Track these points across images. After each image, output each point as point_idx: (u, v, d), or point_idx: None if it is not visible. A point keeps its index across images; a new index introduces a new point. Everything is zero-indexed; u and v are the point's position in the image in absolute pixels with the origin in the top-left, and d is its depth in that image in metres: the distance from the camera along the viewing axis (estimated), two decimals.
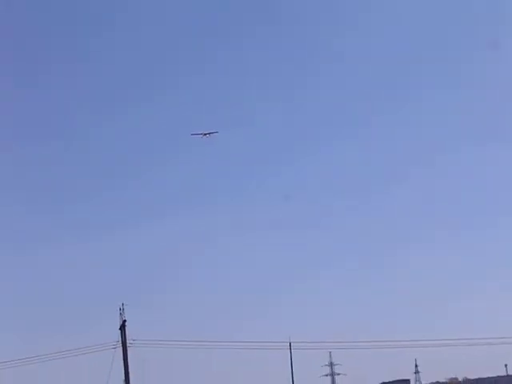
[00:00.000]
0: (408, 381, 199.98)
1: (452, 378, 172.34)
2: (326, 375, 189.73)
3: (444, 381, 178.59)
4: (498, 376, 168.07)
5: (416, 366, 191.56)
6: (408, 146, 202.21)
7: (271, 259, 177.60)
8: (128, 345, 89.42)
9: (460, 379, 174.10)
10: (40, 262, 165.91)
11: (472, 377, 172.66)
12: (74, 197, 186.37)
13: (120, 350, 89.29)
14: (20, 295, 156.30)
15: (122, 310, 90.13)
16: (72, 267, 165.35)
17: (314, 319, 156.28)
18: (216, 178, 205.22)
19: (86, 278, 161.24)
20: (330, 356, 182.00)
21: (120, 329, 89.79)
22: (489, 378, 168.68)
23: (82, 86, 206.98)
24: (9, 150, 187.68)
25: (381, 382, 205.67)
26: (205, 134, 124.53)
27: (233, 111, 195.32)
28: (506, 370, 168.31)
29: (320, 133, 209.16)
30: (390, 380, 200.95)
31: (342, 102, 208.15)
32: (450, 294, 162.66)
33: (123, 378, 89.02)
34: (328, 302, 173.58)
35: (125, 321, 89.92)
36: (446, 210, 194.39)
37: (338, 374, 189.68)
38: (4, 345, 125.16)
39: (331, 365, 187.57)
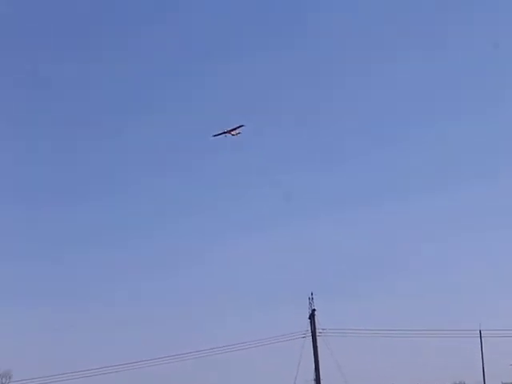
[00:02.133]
0: None
1: None
2: None
3: None
4: None
5: None
6: None
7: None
8: (317, 334, 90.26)
9: None
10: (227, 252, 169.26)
11: None
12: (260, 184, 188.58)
13: (309, 339, 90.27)
14: (210, 285, 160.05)
15: (311, 299, 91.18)
16: (260, 255, 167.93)
17: (505, 306, 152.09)
18: None
19: (275, 266, 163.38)
20: None
21: (309, 318, 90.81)
22: None
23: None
24: None
25: None
26: (229, 132, 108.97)
27: None
28: None
29: None
30: None
31: None
32: None
33: (313, 367, 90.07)
34: None
35: (314, 310, 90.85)
36: None
37: None
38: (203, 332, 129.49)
39: None
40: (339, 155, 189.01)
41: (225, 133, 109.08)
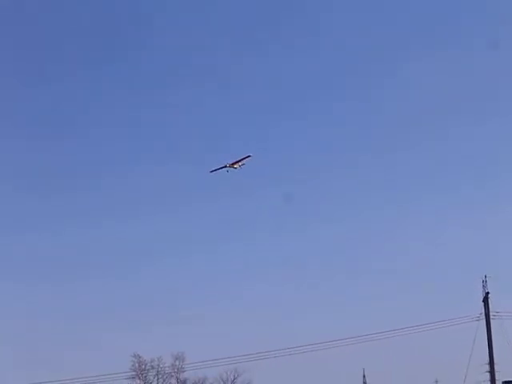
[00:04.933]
0: None
1: None
2: None
3: None
4: None
5: None
6: None
7: None
8: (491, 317, 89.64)
9: None
10: None
11: None
12: None
13: (483, 321, 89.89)
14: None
15: (484, 282, 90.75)
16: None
17: None
18: None
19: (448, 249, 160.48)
20: None
21: (483, 301, 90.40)
22: None
23: None
24: None
25: None
26: (232, 165, 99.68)
27: None
28: None
29: None
30: None
31: None
32: None
33: (487, 349, 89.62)
34: None
35: (487, 293, 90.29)
36: None
37: None
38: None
39: None
40: None
41: (226, 167, 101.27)
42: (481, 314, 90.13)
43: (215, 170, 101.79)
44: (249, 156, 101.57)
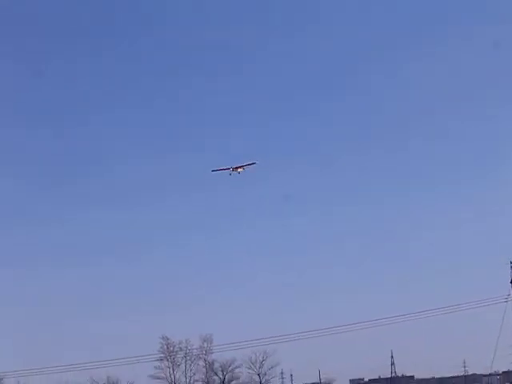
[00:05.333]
0: None
1: None
2: None
3: None
4: None
5: None
6: None
7: None
8: None
9: None
10: None
11: None
12: None
13: (511, 303, 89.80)
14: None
15: None
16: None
17: None
18: None
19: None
20: None
21: (511, 283, 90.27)
22: None
23: None
24: None
25: None
26: (235, 169, 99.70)
27: None
28: None
29: None
30: None
31: None
32: None
33: None
34: None
35: None
36: None
37: None
38: None
39: None
40: None
41: (229, 169, 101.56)
42: (509, 295, 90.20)
43: (218, 170, 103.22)
44: (254, 163, 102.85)
